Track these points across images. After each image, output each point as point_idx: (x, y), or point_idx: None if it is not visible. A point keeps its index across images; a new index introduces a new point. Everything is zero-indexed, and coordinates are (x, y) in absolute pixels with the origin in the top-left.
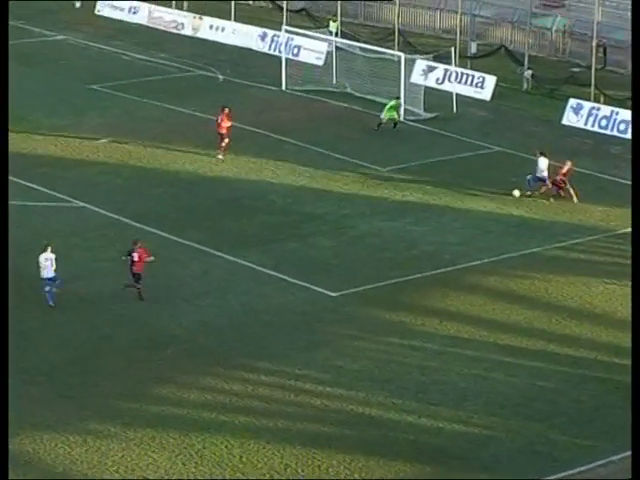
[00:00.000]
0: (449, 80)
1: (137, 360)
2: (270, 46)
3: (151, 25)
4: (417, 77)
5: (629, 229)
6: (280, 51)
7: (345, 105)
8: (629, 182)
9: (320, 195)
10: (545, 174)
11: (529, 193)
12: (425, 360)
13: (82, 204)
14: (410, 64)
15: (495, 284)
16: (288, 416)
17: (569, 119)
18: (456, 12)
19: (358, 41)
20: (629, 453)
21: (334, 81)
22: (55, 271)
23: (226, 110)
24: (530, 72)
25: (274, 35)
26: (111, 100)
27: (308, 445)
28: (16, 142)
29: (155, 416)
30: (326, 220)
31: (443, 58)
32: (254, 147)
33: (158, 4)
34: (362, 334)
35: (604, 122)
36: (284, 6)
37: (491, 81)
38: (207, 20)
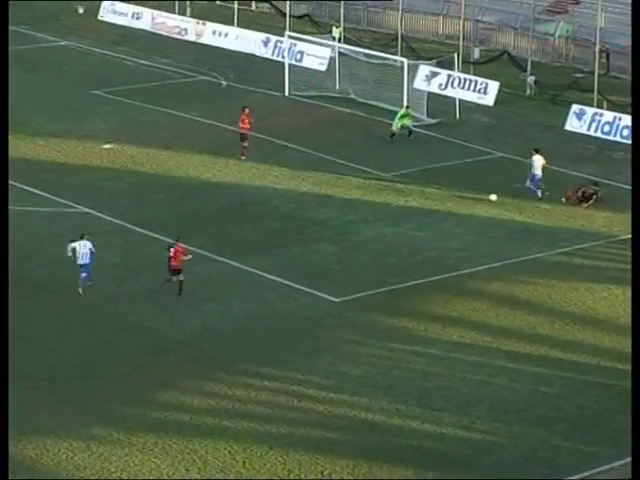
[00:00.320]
0: (452, 86)
1: (140, 365)
2: (273, 52)
3: (154, 31)
4: (420, 83)
5: None
6: (283, 57)
7: (348, 111)
8: None
9: (323, 201)
10: (539, 172)
11: (542, 195)
12: (428, 366)
13: (85, 209)
14: (413, 70)
15: (498, 290)
16: (291, 422)
17: (572, 125)
18: (459, 18)
19: (361, 47)
20: None
21: (337, 87)
22: (90, 259)
23: (247, 110)
24: (533, 78)
25: (277, 41)
26: (114, 105)
27: (311, 451)
28: (19, 148)
29: (158, 421)
30: (329, 226)
31: (446, 64)
32: (257, 153)
33: (161, 10)
34: (365, 340)
35: (607, 128)
36: (287, 12)
37: (494, 87)
38: (210, 26)
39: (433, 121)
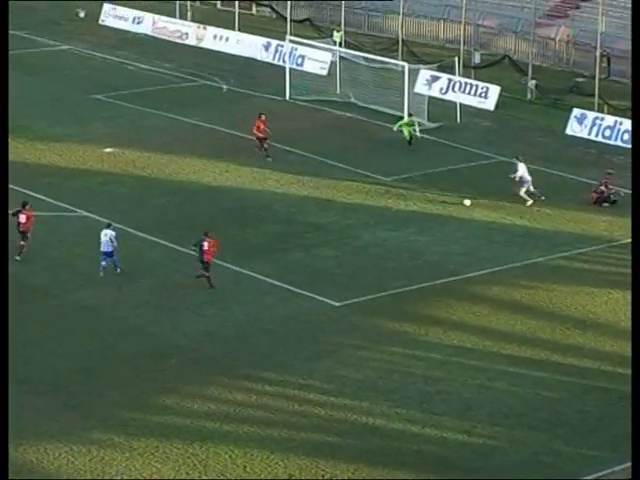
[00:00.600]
0: (453, 90)
1: (141, 370)
2: (274, 56)
3: (155, 35)
4: (421, 87)
5: None
6: (284, 61)
7: (349, 115)
8: None
9: (324, 205)
10: (526, 177)
11: (536, 200)
12: (429, 370)
13: (86, 214)
14: (414, 74)
15: (499, 294)
16: (292, 426)
17: (573, 129)
18: (460, 22)
19: (362, 51)
20: None
21: (338, 91)
22: (114, 247)
23: (262, 117)
24: (534, 82)
25: (278, 45)
26: (115, 110)
27: (312, 455)
28: (20, 152)
29: (159, 426)
30: (330, 230)
31: (447, 68)
32: (258, 157)
33: (162, 14)
34: (366, 344)
35: (608, 132)
36: (288, 16)
37: (495, 91)
38: (211, 30)
39: (434, 125)
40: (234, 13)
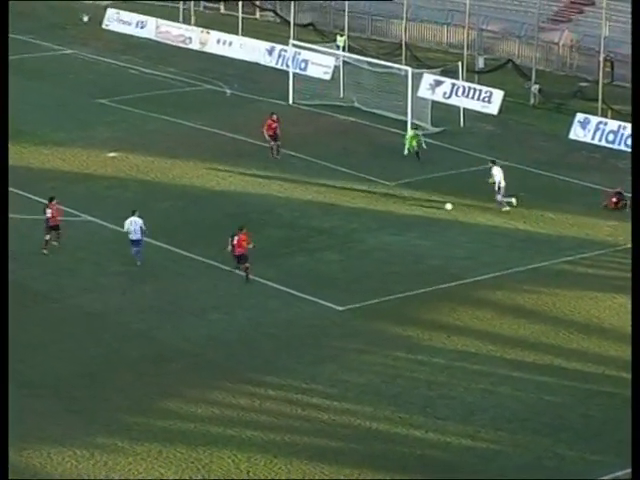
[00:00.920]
0: (456, 94)
1: (145, 374)
2: (277, 60)
3: (159, 39)
4: (424, 91)
5: None
6: (287, 65)
7: (352, 119)
8: None
9: (327, 209)
10: (502, 182)
11: (509, 207)
12: (432, 375)
13: (90, 218)
14: (417, 78)
15: (502, 298)
16: (295, 430)
17: (576, 134)
18: (463, 27)
19: (365, 55)
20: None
21: (341, 95)
22: (140, 235)
23: (274, 116)
24: (537, 86)
25: (281, 49)
26: (119, 114)
27: (315, 459)
28: (24, 156)
29: (162, 430)
30: (333, 234)
31: (450, 72)
32: (261, 161)
33: (166, 19)
34: (369, 348)
35: (611, 137)
36: (291, 21)
37: (498, 95)
38: (214, 34)
39: (437, 130)
40: (237, 18)
